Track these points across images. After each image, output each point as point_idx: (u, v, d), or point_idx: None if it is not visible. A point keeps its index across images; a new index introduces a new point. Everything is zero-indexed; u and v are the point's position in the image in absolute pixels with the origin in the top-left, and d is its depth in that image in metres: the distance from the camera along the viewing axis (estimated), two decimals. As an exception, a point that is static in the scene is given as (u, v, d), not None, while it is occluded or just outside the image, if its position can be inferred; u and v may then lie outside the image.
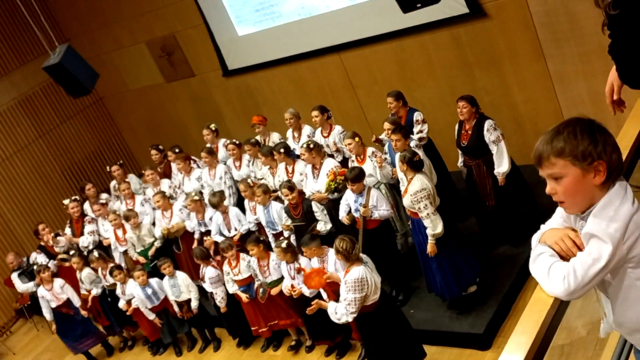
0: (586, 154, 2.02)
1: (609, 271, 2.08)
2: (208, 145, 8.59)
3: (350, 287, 5.16)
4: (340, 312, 5.28)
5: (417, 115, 7.05)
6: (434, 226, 5.75)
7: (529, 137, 7.97)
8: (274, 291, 6.73)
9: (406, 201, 5.90)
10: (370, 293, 5.24)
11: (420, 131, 6.99)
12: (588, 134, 2.04)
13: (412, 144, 6.55)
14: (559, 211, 2.35)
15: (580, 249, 2.16)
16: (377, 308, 5.36)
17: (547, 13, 7.05)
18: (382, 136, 7.21)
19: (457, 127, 6.68)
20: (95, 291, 8.21)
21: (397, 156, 6.01)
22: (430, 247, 5.85)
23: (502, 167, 6.34)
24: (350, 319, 5.29)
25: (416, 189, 5.73)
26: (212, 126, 8.67)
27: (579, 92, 7.32)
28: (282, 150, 7.32)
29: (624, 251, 2.05)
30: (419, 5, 6.05)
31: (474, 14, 7.50)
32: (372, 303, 5.31)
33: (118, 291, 7.89)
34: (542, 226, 2.41)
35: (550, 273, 2.15)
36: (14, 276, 9.08)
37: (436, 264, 5.99)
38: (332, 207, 6.72)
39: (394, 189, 6.79)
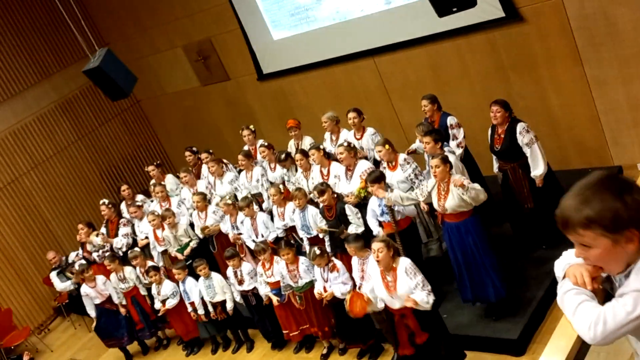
0: (616, 224, 1.86)
1: None
2: (246, 147, 8.68)
3: (412, 271, 5.28)
4: (424, 295, 5.24)
5: (450, 120, 7.02)
6: (482, 191, 5.76)
7: (565, 142, 7.89)
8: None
9: (452, 201, 5.78)
10: None
11: (456, 136, 6.96)
12: (617, 198, 1.86)
13: (447, 149, 6.54)
14: None
15: (596, 284, 2.06)
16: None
17: (585, 17, 6.98)
18: (416, 145, 7.20)
19: (489, 131, 6.64)
20: (144, 291, 8.35)
21: (434, 159, 5.91)
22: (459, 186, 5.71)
23: (538, 169, 6.30)
24: (433, 297, 5.28)
25: (464, 180, 5.74)
26: (252, 127, 8.76)
27: (616, 97, 7.23)
28: (320, 148, 7.37)
29: None
30: (455, 9, 6.03)
31: (511, 18, 7.46)
32: None
33: (154, 291, 8.02)
34: (564, 253, 2.30)
35: (577, 314, 2.03)
36: (53, 275, 9.27)
37: (488, 263, 5.93)
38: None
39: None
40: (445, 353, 5.59)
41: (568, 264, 2.23)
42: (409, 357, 5.59)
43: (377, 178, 6.24)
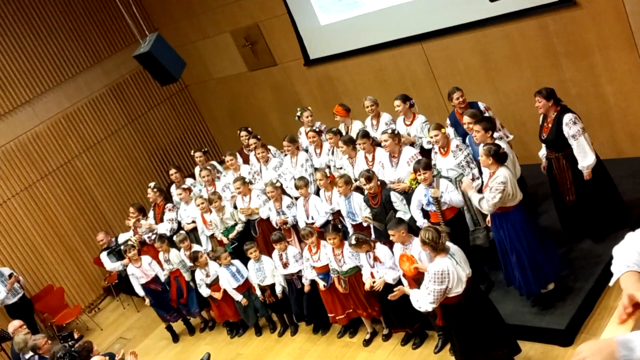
0: None
1: None
2: (302, 128, 8.72)
3: (431, 277, 5.09)
4: (422, 300, 5.25)
5: (482, 106, 7.01)
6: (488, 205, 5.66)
7: (618, 130, 7.70)
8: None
9: (485, 194, 5.75)
10: (453, 286, 5.11)
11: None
12: None
13: (497, 135, 6.45)
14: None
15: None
16: (461, 301, 5.23)
17: (642, 1, 6.78)
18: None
19: (540, 119, 6.53)
20: (188, 276, 8.49)
21: (480, 148, 5.88)
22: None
23: (586, 160, 6.13)
24: (429, 309, 5.25)
25: (499, 181, 5.63)
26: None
27: (673, 84, 7.03)
28: (370, 136, 7.35)
29: None
30: (507, -6, 5.94)
31: (564, 3, 7.29)
32: (454, 296, 5.18)
33: (200, 276, 8.14)
34: (627, 236, 2.26)
35: None
36: (103, 255, 9.49)
37: (516, 259, 5.88)
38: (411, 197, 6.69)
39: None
40: (500, 346, 5.52)
41: (627, 267, 2.15)
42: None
43: (427, 165, 6.18)
